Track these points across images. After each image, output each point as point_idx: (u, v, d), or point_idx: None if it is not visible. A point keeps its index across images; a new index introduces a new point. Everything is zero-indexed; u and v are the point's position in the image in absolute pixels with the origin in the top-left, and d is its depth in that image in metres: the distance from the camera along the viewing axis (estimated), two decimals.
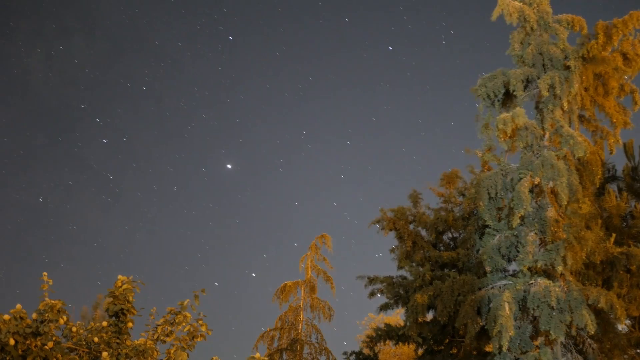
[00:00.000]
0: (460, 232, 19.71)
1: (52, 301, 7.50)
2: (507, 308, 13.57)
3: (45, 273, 7.54)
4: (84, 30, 52.96)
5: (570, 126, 14.84)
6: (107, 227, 51.50)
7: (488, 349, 17.13)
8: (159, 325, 8.38)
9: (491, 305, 14.21)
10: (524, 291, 13.92)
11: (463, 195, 20.18)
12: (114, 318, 8.12)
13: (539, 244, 14.23)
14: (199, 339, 8.36)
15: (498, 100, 14.97)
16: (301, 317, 24.25)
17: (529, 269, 13.96)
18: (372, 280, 19.56)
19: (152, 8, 52.68)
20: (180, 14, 51.98)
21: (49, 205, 47.65)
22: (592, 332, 13.15)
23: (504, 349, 13.35)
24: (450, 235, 20.19)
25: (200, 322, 8.38)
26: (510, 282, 14.30)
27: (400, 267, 19.42)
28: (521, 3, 15.30)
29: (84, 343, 7.84)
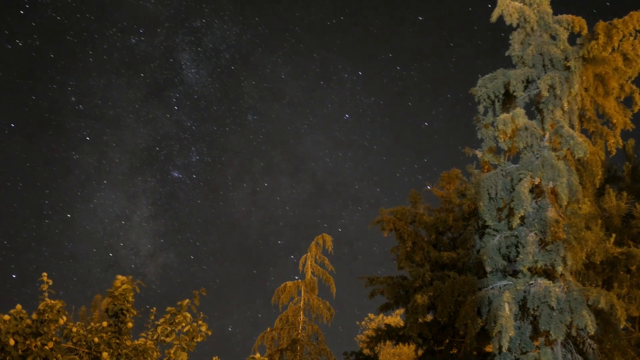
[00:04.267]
0: (461, 232, 19.70)
1: (52, 301, 7.50)
2: (507, 308, 13.57)
3: (45, 273, 7.55)
4: (288, 170, 56.17)
5: (570, 126, 14.82)
6: None
7: (488, 349, 17.13)
8: (158, 325, 8.37)
9: (491, 305, 14.21)
10: (524, 291, 13.91)
11: (463, 195, 20.17)
12: (113, 318, 8.11)
13: (539, 245, 14.22)
14: (198, 339, 8.35)
15: (498, 101, 14.96)
16: (301, 317, 24.25)
17: (529, 269, 13.95)
18: (372, 281, 19.56)
19: (354, 153, 55.52)
20: (382, 161, 55.55)
21: (237, 336, 48.95)
22: (592, 333, 13.15)
23: (504, 349, 13.35)
24: (450, 235, 20.19)
25: (200, 322, 8.37)
26: (511, 283, 14.30)
27: (400, 268, 19.41)
28: (521, 3, 15.28)
29: (84, 343, 7.83)
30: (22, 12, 48.01)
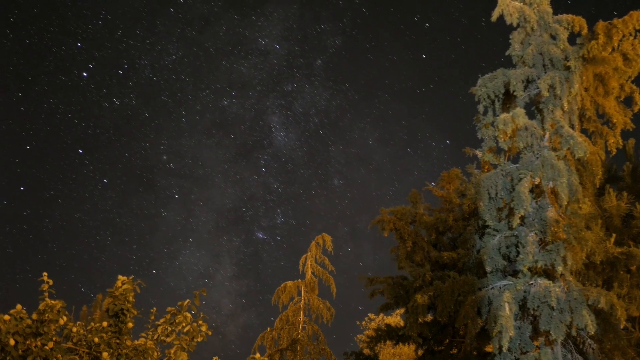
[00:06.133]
0: (461, 232, 19.70)
1: (52, 301, 7.49)
2: (507, 308, 13.57)
3: (45, 273, 7.54)
4: (373, 236, 57.85)
5: (570, 126, 14.82)
6: None
7: (488, 349, 17.13)
8: (159, 325, 8.37)
9: (491, 305, 14.21)
10: (524, 291, 13.91)
11: (463, 195, 20.18)
12: (114, 318, 8.11)
13: (539, 245, 14.22)
14: (199, 339, 8.35)
15: (498, 101, 14.95)
16: (301, 317, 24.25)
17: (529, 269, 13.95)
18: (372, 281, 19.56)
19: None
20: None
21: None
22: (592, 333, 13.15)
23: (504, 349, 13.34)
24: (450, 235, 20.19)
25: (200, 322, 8.37)
26: (511, 283, 14.30)
27: (400, 268, 19.41)
28: (521, 3, 15.28)
29: (84, 343, 7.83)
30: (120, 72, 49.84)
